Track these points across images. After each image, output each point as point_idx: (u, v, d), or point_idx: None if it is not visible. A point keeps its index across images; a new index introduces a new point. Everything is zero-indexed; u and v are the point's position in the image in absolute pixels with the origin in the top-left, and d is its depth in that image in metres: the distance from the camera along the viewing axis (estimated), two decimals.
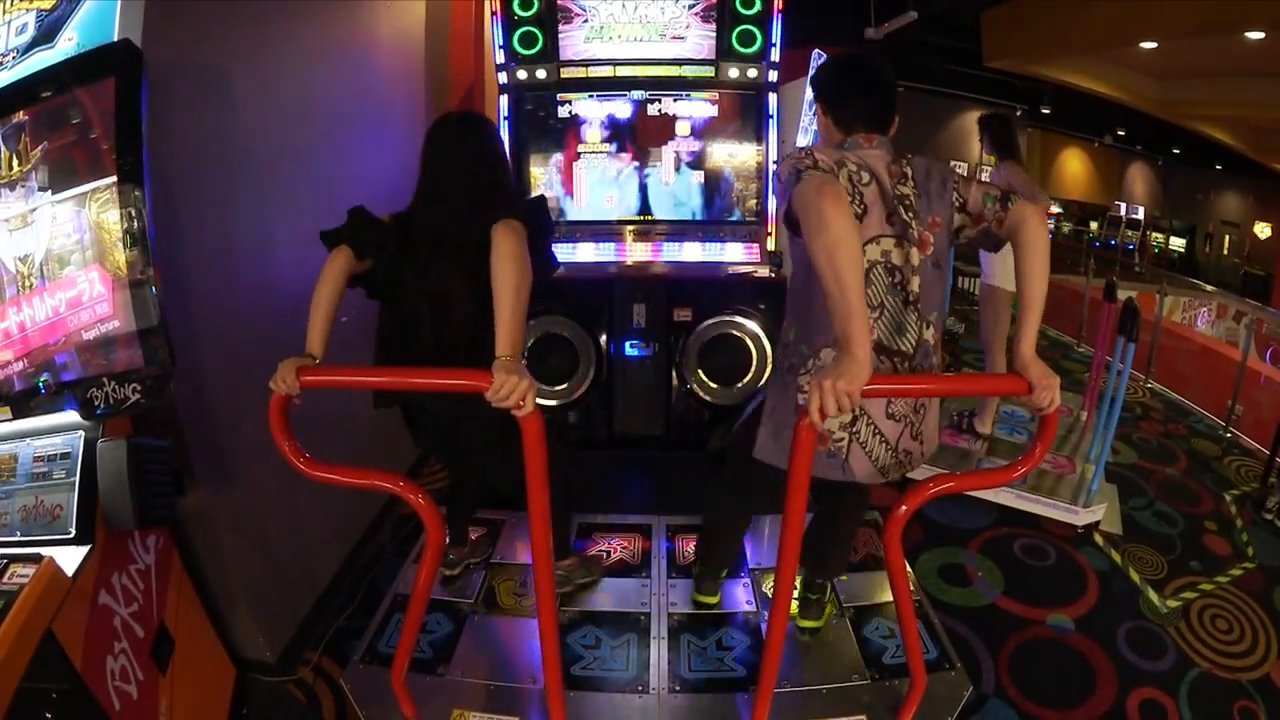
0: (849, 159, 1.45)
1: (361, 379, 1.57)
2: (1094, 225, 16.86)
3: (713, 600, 2.16)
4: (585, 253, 2.85)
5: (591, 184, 2.90)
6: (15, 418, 1.50)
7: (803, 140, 2.90)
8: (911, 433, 1.54)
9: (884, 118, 1.54)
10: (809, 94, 2.98)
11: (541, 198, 1.93)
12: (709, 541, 2.14)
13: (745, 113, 2.86)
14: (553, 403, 2.85)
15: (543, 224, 1.65)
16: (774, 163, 2.83)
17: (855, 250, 1.20)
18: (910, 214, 1.44)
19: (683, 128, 2.87)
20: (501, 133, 2.72)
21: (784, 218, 1.44)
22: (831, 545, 1.98)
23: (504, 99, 2.81)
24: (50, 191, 1.43)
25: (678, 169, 2.88)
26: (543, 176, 2.88)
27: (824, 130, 1.61)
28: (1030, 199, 1.49)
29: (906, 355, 1.47)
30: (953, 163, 11.30)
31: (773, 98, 2.81)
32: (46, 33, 1.46)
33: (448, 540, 2.10)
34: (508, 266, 1.40)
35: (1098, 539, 2.69)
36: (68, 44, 1.44)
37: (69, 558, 1.37)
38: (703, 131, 2.87)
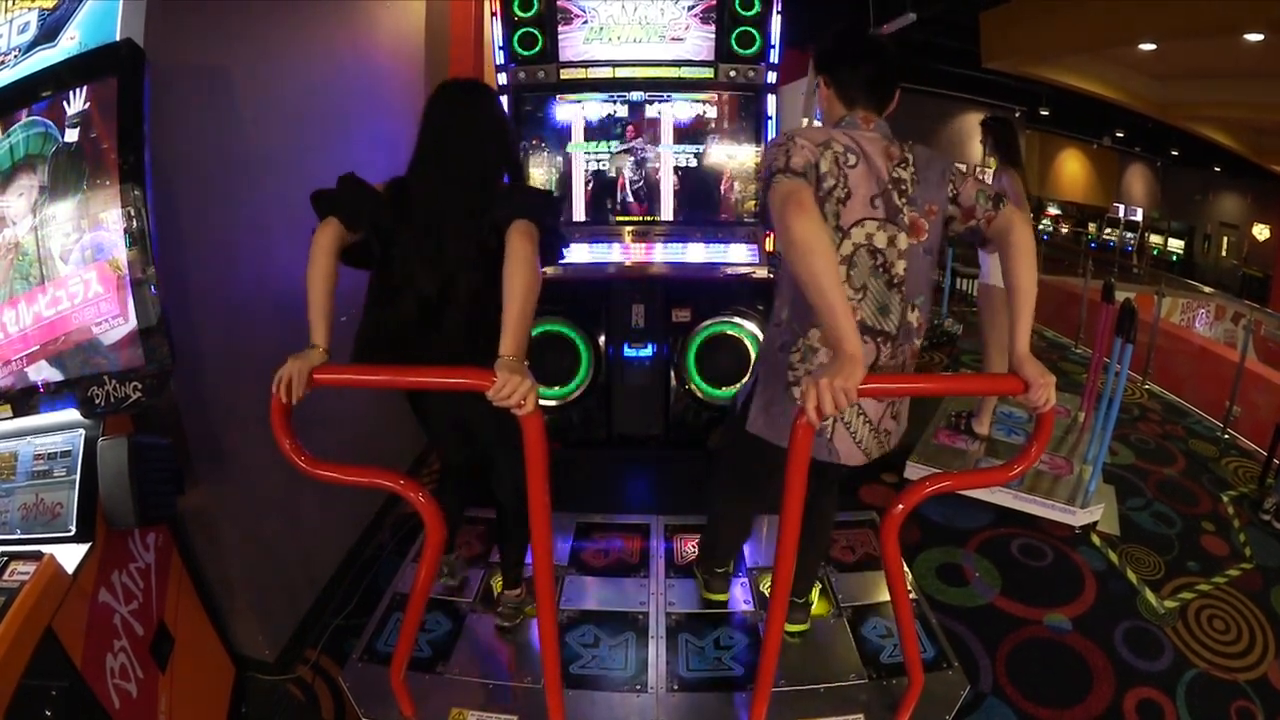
0: (837, 140, 1.43)
1: (372, 378, 1.57)
2: (1092, 226, 16.87)
3: (723, 598, 2.19)
4: (584, 253, 2.85)
5: (590, 185, 2.91)
6: (15, 415, 1.50)
7: None
8: (891, 412, 1.58)
9: (885, 90, 1.53)
10: (810, 85, 2.98)
11: (554, 197, 1.86)
12: (709, 538, 2.15)
13: (744, 114, 2.86)
14: (552, 403, 2.85)
15: (552, 224, 1.59)
16: None
17: (826, 256, 1.23)
18: (904, 199, 1.46)
19: (682, 129, 2.88)
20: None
21: (760, 212, 1.44)
22: (806, 554, 1.87)
23: (504, 100, 2.81)
24: (53, 190, 1.44)
25: (677, 170, 2.88)
26: (542, 177, 2.88)
27: (826, 105, 1.59)
28: (1016, 206, 1.52)
29: (889, 335, 1.49)
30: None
31: (772, 99, 2.81)
32: (48, 32, 1.46)
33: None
34: (522, 270, 1.38)
35: (1095, 539, 2.70)
36: (70, 43, 1.44)
37: (69, 555, 1.37)
38: (702, 133, 2.87)
